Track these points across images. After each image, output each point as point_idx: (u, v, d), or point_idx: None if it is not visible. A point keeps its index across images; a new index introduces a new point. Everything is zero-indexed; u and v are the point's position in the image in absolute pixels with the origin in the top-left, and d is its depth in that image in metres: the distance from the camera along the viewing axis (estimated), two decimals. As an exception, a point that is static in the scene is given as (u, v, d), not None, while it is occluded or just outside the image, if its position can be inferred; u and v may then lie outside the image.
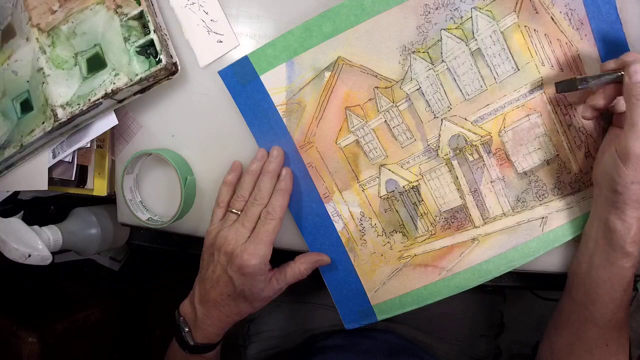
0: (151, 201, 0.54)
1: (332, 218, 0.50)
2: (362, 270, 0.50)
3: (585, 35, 0.44)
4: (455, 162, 0.47)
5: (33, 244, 0.51)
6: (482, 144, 0.47)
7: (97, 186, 0.55)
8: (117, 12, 0.47)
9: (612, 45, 0.44)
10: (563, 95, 0.45)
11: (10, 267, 0.52)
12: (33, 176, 0.52)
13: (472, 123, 0.47)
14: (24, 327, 0.64)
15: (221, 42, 0.49)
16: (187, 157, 0.53)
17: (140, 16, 0.47)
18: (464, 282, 0.49)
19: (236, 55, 0.49)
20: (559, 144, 0.46)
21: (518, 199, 0.47)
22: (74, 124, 0.49)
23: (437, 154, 0.47)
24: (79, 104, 0.47)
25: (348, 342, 0.64)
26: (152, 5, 0.48)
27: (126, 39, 0.47)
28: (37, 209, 0.69)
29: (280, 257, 0.49)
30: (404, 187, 0.48)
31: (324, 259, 0.50)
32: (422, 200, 0.48)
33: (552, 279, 0.50)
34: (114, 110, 0.50)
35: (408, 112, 0.47)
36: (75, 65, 0.49)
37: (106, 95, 0.46)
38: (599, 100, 0.41)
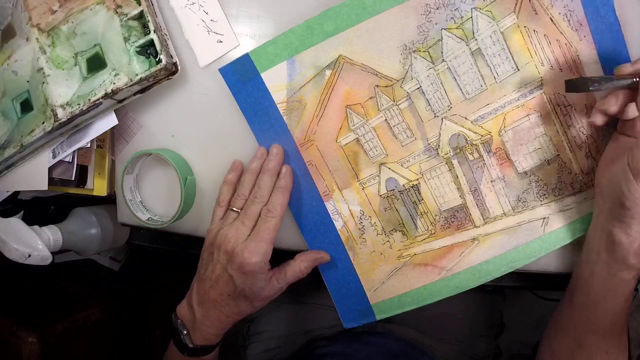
0: (151, 201, 0.54)
1: (331, 216, 0.50)
2: (362, 269, 0.50)
3: (585, 36, 0.44)
4: (455, 161, 0.47)
5: (33, 244, 0.51)
6: (482, 143, 0.47)
7: (97, 186, 0.55)
8: (117, 12, 0.47)
9: (611, 46, 0.44)
10: (563, 96, 0.45)
11: (10, 267, 0.52)
12: (33, 176, 0.52)
13: (472, 122, 0.47)
14: (24, 327, 0.64)
15: (221, 42, 0.49)
16: (187, 157, 0.53)
17: (140, 16, 0.47)
18: (464, 282, 0.49)
19: (236, 56, 0.49)
20: (560, 144, 0.46)
21: (519, 199, 0.47)
22: (74, 124, 0.49)
23: (437, 153, 0.48)
24: (79, 104, 0.47)
25: (348, 348, 0.64)
26: (152, 5, 0.48)
27: (126, 39, 0.47)
28: (37, 209, 0.69)
29: (280, 257, 0.49)
30: (404, 185, 0.48)
31: (323, 257, 0.50)
32: (422, 199, 0.48)
33: (552, 279, 0.50)
34: (114, 110, 0.50)
35: (408, 110, 0.47)
36: (75, 65, 0.49)
37: (106, 95, 0.46)
38: (612, 106, 0.40)
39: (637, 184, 0.37)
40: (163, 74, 0.47)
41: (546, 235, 0.47)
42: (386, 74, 0.47)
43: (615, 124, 0.43)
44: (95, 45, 0.48)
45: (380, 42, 0.46)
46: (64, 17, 0.48)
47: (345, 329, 0.70)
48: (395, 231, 0.49)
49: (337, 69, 0.47)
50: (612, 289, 0.41)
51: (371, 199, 0.49)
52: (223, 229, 0.47)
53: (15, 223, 0.52)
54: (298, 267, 0.49)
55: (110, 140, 0.54)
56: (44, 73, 0.48)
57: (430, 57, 0.46)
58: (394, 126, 0.48)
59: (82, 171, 0.55)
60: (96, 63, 0.48)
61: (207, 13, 0.49)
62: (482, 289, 0.50)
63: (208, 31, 0.49)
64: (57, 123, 0.47)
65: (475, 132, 0.47)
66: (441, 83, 0.46)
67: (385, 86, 0.47)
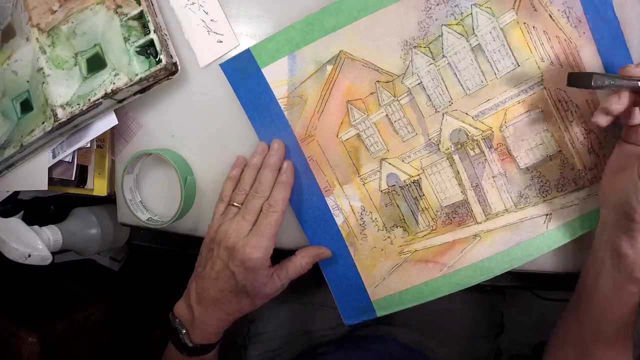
0: (151, 201, 0.54)
1: (332, 212, 0.50)
2: (362, 265, 0.50)
3: (584, 32, 0.44)
4: (456, 157, 0.47)
5: (33, 244, 0.51)
6: (484, 138, 0.47)
7: (97, 186, 0.55)
8: (117, 12, 0.47)
9: (611, 43, 0.44)
10: (564, 91, 0.45)
11: (10, 267, 0.52)
12: (33, 176, 0.52)
13: (473, 118, 0.47)
14: (24, 327, 0.64)
15: (221, 42, 0.49)
16: (187, 157, 0.53)
17: (140, 16, 0.47)
18: (465, 279, 0.49)
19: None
20: (561, 140, 0.46)
21: (521, 195, 0.47)
22: (74, 124, 0.49)
23: (439, 149, 0.47)
24: (79, 104, 0.47)
25: (350, 355, 0.64)
26: (152, 5, 0.48)
27: (126, 39, 0.47)
28: (37, 209, 0.69)
29: (280, 257, 0.49)
30: (405, 181, 0.48)
31: (324, 253, 0.50)
32: (423, 195, 0.48)
33: (552, 279, 0.50)
34: (114, 110, 0.50)
35: (409, 106, 0.47)
36: (75, 65, 0.49)
37: (106, 95, 0.46)
38: (613, 104, 0.38)
39: None
40: (163, 74, 0.47)
41: (549, 232, 0.47)
42: (387, 70, 0.47)
43: (620, 123, 0.42)
44: (95, 45, 0.48)
45: (381, 38, 0.46)
46: (64, 17, 0.48)
47: (346, 332, 0.71)
48: (396, 227, 0.49)
49: (338, 64, 0.47)
50: (617, 300, 0.40)
51: (372, 195, 0.49)
52: (224, 225, 0.46)
53: (15, 223, 0.52)
54: (299, 263, 0.48)
55: (110, 140, 0.54)
56: (44, 73, 0.48)
57: (431, 52, 0.46)
58: (395, 121, 0.47)
59: (82, 171, 0.55)
60: (96, 63, 0.48)
61: (207, 13, 0.49)
62: (482, 289, 0.50)
63: (208, 31, 0.49)
64: (57, 123, 0.47)
65: (476, 128, 0.47)
66: (442, 79, 0.46)
67: (386, 82, 0.47)
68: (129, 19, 0.47)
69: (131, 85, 0.46)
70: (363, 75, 0.47)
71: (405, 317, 0.69)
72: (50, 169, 0.52)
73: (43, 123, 0.48)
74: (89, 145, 0.51)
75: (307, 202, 0.50)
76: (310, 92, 0.48)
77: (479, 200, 0.48)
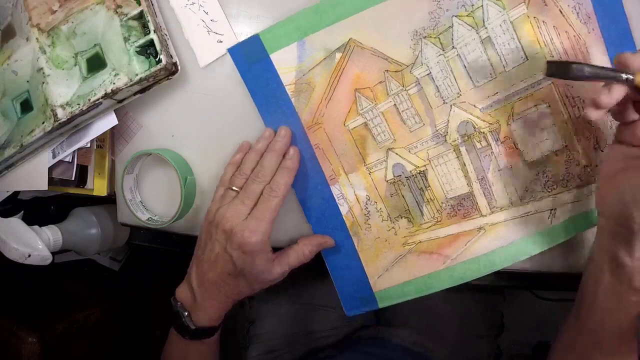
0: (151, 201, 0.54)
1: (337, 201, 0.49)
2: (366, 255, 0.50)
3: (593, 29, 0.44)
4: (463, 149, 0.47)
5: (33, 244, 0.51)
6: (491, 131, 0.47)
7: (97, 186, 0.55)
8: (117, 12, 0.47)
9: (618, 40, 0.44)
10: (572, 87, 0.45)
11: (10, 267, 0.52)
12: (33, 176, 0.53)
13: (480, 110, 0.47)
14: (24, 327, 0.64)
15: (221, 42, 0.49)
16: (187, 157, 0.53)
17: (140, 16, 0.47)
18: (469, 272, 0.48)
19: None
20: (568, 135, 0.46)
21: (526, 189, 0.47)
22: (74, 124, 0.49)
23: (445, 140, 0.47)
24: (79, 104, 0.47)
25: (351, 358, 0.64)
26: (152, 5, 0.48)
27: (126, 39, 0.47)
28: (37, 209, 0.69)
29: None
30: (410, 171, 0.48)
31: (328, 242, 0.49)
32: (429, 186, 0.48)
33: (552, 279, 0.50)
34: (114, 110, 0.50)
35: (417, 96, 0.47)
36: (75, 65, 0.49)
37: (106, 95, 0.46)
38: (604, 98, 0.36)
39: None
40: (163, 74, 0.47)
41: (553, 227, 0.47)
42: (396, 59, 0.47)
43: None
44: (95, 45, 0.48)
45: (391, 27, 0.46)
46: (64, 17, 0.48)
47: (347, 333, 0.70)
48: (401, 218, 0.49)
49: (348, 52, 0.47)
50: (617, 310, 0.39)
51: (377, 184, 0.49)
52: (222, 208, 0.46)
53: (15, 223, 0.52)
54: (302, 251, 0.48)
55: (110, 140, 0.54)
56: (44, 73, 0.48)
57: (441, 43, 0.46)
58: (402, 111, 0.47)
59: (82, 171, 0.55)
60: (96, 63, 0.48)
61: (207, 13, 0.49)
62: (482, 289, 0.50)
63: (208, 31, 0.49)
64: (57, 123, 0.47)
65: (484, 120, 0.47)
66: (451, 70, 0.46)
67: (395, 71, 0.47)
68: (129, 19, 0.47)
69: (131, 85, 0.46)
70: (372, 64, 0.47)
71: (405, 317, 0.69)
72: (50, 169, 0.52)
73: (43, 123, 0.48)
74: (89, 145, 0.51)
75: (311, 191, 0.49)
76: (318, 80, 0.48)
77: (484, 193, 0.47)
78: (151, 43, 0.47)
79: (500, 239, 0.48)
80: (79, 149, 0.52)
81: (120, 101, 0.49)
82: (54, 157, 0.52)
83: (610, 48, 0.44)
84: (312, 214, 0.50)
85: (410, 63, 0.46)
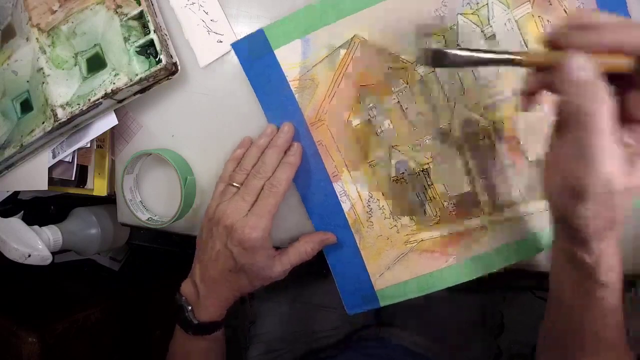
0: (151, 201, 0.54)
1: (339, 198, 0.49)
2: (367, 253, 0.50)
3: None
4: (466, 147, 0.47)
5: (33, 244, 0.51)
6: (494, 130, 0.47)
7: (97, 186, 0.55)
8: (117, 12, 0.47)
9: None
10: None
11: (10, 267, 0.52)
12: (33, 176, 0.53)
13: (484, 109, 0.46)
14: (24, 327, 0.63)
15: (221, 42, 0.49)
16: (187, 157, 0.53)
17: (140, 16, 0.47)
18: (471, 271, 0.48)
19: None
20: None
21: (529, 188, 0.47)
22: (74, 124, 0.49)
23: (449, 138, 0.47)
24: (78, 104, 0.47)
25: (352, 358, 0.64)
26: (152, 5, 0.48)
27: (126, 39, 0.47)
28: (37, 209, 0.69)
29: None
30: (414, 169, 0.48)
31: (329, 239, 0.49)
32: (432, 184, 0.48)
33: (552, 279, 0.50)
34: (114, 110, 0.50)
35: (421, 94, 0.47)
36: (75, 65, 0.49)
37: (106, 95, 0.46)
38: (529, 84, 0.34)
39: (582, 206, 0.31)
40: (163, 74, 0.47)
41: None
42: (401, 56, 0.47)
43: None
44: (95, 45, 0.48)
45: (396, 24, 0.46)
46: (64, 17, 0.48)
47: (347, 333, 0.70)
48: (403, 215, 0.49)
49: (352, 49, 0.47)
50: (589, 308, 0.36)
51: (380, 182, 0.49)
52: (222, 204, 0.46)
53: (15, 223, 0.52)
54: (303, 249, 0.47)
55: (110, 140, 0.54)
56: (44, 73, 0.48)
57: (445, 41, 0.46)
58: (406, 109, 0.47)
59: (82, 171, 0.55)
60: (96, 63, 0.48)
61: (207, 13, 0.49)
62: (483, 289, 0.50)
63: (208, 31, 0.49)
64: (57, 123, 0.47)
65: (488, 119, 0.47)
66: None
67: (400, 68, 0.47)
68: (129, 19, 0.47)
69: (131, 85, 0.46)
70: (376, 61, 0.47)
71: (406, 317, 0.69)
72: (50, 169, 0.52)
73: (43, 123, 0.48)
74: (89, 145, 0.51)
75: (314, 187, 0.49)
76: (322, 76, 0.48)
77: (487, 192, 0.47)
78: (151, 43, 0.47)
79: (503, 237, 0.47)
80: (79, 149, 0.52)
81: (120, 101, 0.49)
82: (54, 157, 0.52)
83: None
84: (314, 211, 0.50)
85: (414, 60, 0.46)
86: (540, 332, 0.44)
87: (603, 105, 0.29)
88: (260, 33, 0.47)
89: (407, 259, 0.49)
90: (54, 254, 0.53)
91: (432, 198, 0.48)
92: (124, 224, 0.57)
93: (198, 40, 0.49)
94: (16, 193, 0.64)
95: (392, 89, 0.47)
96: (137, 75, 0.46)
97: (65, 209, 0.65)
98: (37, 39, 0.48)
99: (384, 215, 0.49)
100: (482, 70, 0.46)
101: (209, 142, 0.52)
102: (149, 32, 0.47)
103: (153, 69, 0.46)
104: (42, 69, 0.48)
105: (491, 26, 0.45)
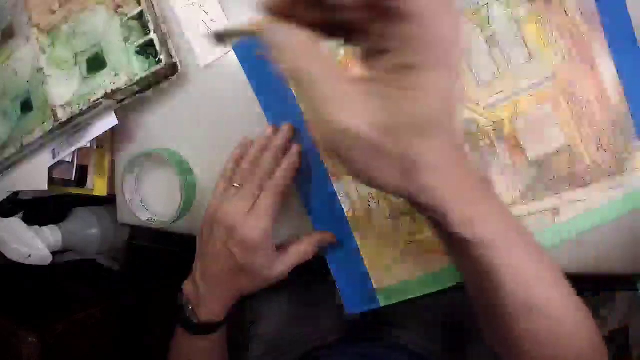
0: (151, 201, 0.54)
1: (339, 198, 0.49)
2: (368, 253, 0.50)
3: (597, 30, 0.45)
4: (466, 147, 0.47)
5: (33, 244, 0.51)
6: (494, 129, 0.47)
7: (97, 186, 0.55)
8: (117, 12, 0.47)
9: (622, 41, 0.44)
10: (575, 86, 0.45)
11: (10, 267, 0.52)
12: (33, 176, 0.53)
13: (484, 108, 0.46)
14: (24, 327, 0.64)
15: (221, 42, 0.49)
16: (187, 157, 0.53)
17: (140, 16, 0.47)
18: None
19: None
20: (571, 135, 0.46)
21: (529, 188, 0.47)
22: (74, 124, 0.49)
23: None
24: (78, 104, 0.47)
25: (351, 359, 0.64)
26: (152, 5, 0.48)
27: (126, 39, 0.47)
28: (37, 209, 0.69)
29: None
30: None
31: (329, 238, 0.49)
32: None
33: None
34: (114, 110, 0.50)
35: None
36: (75, 65, 0.49)
37: (106, 95, 0.46)
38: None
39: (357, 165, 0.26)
40: (163, 73, 0.47)
41: (555, 226, 0.47)
42: None
43: None
44: (95, 45, 0.48)
45: None
46: (64, 17, 0.48)
47: (347, 333, 0.70)
48: (404, 215, 0.49)
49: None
50: (480, 273, 0.32)
51: None
52: (223, 204, 0.46)
53: (15, 223, 0.52)
54: (303, 249, 0.47)
55: (110, 140, 0.54)
56: (44, 73, 0.48)
57: None
58: None
59: (82, 171, 0.55)
60: (96, 63, 0.48)
61: (207, 13, 0.49)
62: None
63: (208, 31, 0.49)
64: (57, 123, 0.47)
65: (487, 118, 0.47)
66: None
67: None
68: (129, 19, 0.47)
69: (131, 85, 0.46)
70: None
71: (405, 318, 0.69)
72: (50, 169, 0.52)
73: (43, 123, 0.48)
74: (89, 145, 0.51)
75: (314, 187, 0.49)
76: None
77: None
78: (151, 43, 0.47)
79: None
80: (79, 149, 0.52)
81: (120, 101, 0.49)
82: (54, 157, 0.52)
83: (613, 47, 0.45)
84: (313, 211, 0.50)
85: None
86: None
87: (313, 62, 0.26)
88: None
89: (407, 260, 0.49)
90: (54, 254, 0.53)
91: None
92: (124, 224, 0.57)
93: (198, 40, 0.49)
94: (16, 193, 0.64)
95: None
96: (137, 75, 0.46)
97: (65, 209, 0.65)
98: (37, 39, 0.48)
99: (385, 215, 0.49)
100: (481, 70, 0.46)
101: (209, 142, 0.52)
102: (149, 32, 0.47)
103: (153, 69, 0.46)
104: (42, 69, 0.48)
105: (491, 26, 0.45)
